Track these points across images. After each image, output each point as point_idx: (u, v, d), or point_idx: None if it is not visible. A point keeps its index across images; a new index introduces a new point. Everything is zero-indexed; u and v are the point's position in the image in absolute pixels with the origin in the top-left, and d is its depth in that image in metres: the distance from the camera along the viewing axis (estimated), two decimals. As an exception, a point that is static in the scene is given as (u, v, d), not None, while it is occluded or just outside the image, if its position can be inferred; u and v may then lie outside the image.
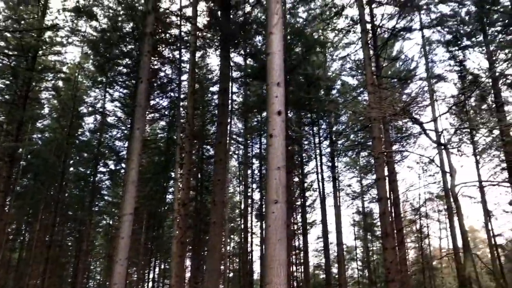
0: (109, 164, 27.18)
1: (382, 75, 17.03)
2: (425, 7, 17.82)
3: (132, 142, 11.82)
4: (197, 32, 17.22)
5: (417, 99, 9.65)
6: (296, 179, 27.78)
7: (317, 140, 26.36)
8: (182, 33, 18.80)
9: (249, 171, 28.70)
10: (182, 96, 18.63)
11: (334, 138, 25.14)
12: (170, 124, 25.15)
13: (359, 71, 19.54)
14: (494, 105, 15.96)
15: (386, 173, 15.54)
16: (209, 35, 18.66)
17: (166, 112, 25.29)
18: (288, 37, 19.65)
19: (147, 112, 21.59)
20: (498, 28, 16.03)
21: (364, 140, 24.60)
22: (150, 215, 28.40)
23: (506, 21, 14.24)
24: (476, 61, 18.99)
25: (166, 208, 28.09)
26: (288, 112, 22.79)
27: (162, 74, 22.59)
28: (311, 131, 26.51)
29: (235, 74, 21.73)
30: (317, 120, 25.33)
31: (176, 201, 14.55)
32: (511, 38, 14.51)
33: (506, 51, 15.71)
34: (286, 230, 5.89)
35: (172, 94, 23.41)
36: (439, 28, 18.02)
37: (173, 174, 21.70)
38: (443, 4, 16.87)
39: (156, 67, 21.67)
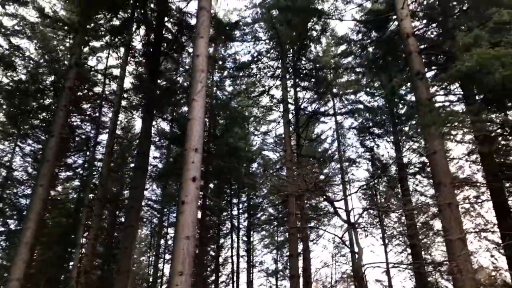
0: (10, 223, 24.46)
1: (302, 153, 17.76)
2: (340, 97, 19.41)
3: (33, 199, 10.78)
4: (122, 93, 16.97)
5: (329, 178, 9.98)
6: (212, 253, 26.94)
7: (235, 212, 26.21)
8: (106, 92, 18.47)
9: (162, 241, 27.33)
10: (99, 156, 17.81)
11: (251, 212, 25.10)
12: (83, 185, 23.62)
13: (280, 147, 20.20)
14: (400, 191, 17.12)
15: (300, 250, 15.61)
16: (134, 97, 18.48)
17: (81, 171, 23.83)
18: (215, 109, 20.13)
19: (60, 170, 20.21)
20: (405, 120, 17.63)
21: (282, 215, 24.81)
22: (49, 282, 25.42)
23: (409, 113, 15.78)
24: (385, 149, 20.59)
25: (68, 275, 25.39)
26: (209, 182, 22.63)
27: (81, 131, 21.60)
28: (230, 203, 26.35)
29: (158, 138, 21.41)
30: (237, 192, 25.32)
31: (76, 268, 13.23)
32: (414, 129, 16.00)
33: (410, 142, 17.26)
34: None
35: (88, 153, 22.26)
36: (353, 116, 19.47)
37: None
38: (356, 94, 18.43)
39: (75, 123, 20.74)
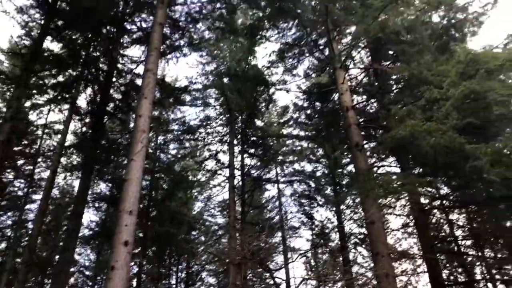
0: None
1: (246, 220, 17.48)
2: (284, 164, 19.74)
3: None
4: (62, 151, 16.29)
5: (271, 247, 9.78)
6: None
7: (174, 281, 24.83)
8: (45, 149, 17.65)
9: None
10: (32, 216, 16.60)
11: (190, 282, 23.90)
12: (8, 247, 21.67)
13: (224, 213, 19.85)
14: (341, 260, 17.08)
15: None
16: (74, 155, 17.75)
17: (9, 233, 21.96)
18: (158, 172, 19.72)
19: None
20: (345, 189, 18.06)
21: (222, 285, 23.78)
22: None
23: (350, 183, 16.21)
24: (326, 218, 20.86)
25: None
26: (147, 248, 21.55)
27: (13, 188, 20.21)
28: (169, 271, 25.03)
29: (95, 199, 20.37)
30: (177, 259, 24.19)
31: None
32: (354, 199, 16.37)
33: (352, 212, 17.54)
34: None
35: (19, 213, 20.70)
36: (296, 183, 19.72)
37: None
38: (300, 163, 18.81)
39: (7, 180, 19.43)
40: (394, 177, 10.36)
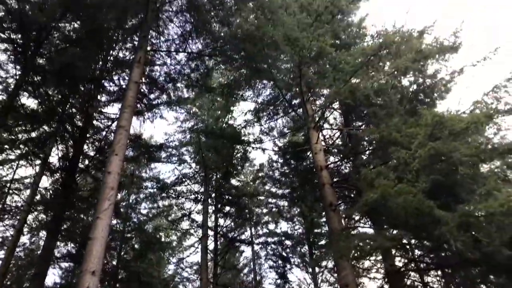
0: None
1: (218, 283, 16.82)
2: (260, 225, 19.42)
3: None
4: (31, 208, 15.72)
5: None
6: None
7: None
8: (10, 205, 16.93)
9: None
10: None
11: None
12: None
13: (196, 276, 19.10)
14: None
15: None
16: (42, 214, 17.08)
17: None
18: (128, 232, 19.08)
19: None
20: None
21: None
22: None
23: (325, 244, 16.00)
24: (302, 280, 20.27)
25: None
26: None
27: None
28: None
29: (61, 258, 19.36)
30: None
31: None
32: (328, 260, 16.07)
33: (325, 273, 17.17)
34: None
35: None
36: (270, 244, 19.34)
37: None
38: (276, 223, 18.54)
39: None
40: (367, 240, 10.29)
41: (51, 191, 15.95)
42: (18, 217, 16.21)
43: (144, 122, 17.60)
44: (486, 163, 9.69)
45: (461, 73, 11.62)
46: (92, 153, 15.08)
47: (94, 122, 15.47)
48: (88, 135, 14.90)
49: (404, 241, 12.24)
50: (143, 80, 15.33)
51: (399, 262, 12.35)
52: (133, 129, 16.84)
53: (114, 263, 18.84)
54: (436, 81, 12.16)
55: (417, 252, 12.45)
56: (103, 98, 15.75)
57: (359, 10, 14.80)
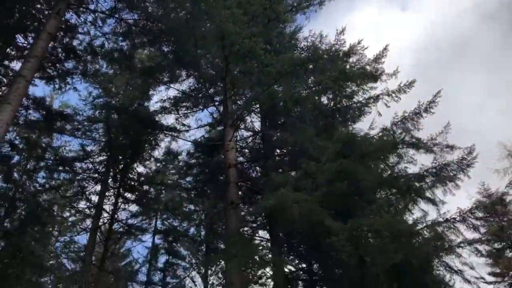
0: None
1: (104, 267, 15.98)
2: (162, 216, 18.93)
3: None
4: None
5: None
6: None
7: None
8: None
9: None
10: None
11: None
12: None
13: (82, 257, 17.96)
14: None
15: None
16: None
17: None
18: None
19: None
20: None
21: None
22: None
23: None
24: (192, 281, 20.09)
25: None
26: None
27: None
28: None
29: None
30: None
31: None
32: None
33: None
34: None
35: None
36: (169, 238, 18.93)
37: None
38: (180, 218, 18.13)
39: None
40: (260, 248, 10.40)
41: None
42: None
43: (54, 90, 16.37)
44: (384, 189, 10.33)
45: (376, 101, 12.29)
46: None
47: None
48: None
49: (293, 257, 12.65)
50: (61, 46, 14.25)
51: (288, 270, 12.66)
52: (43, 94, 15.66)
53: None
54: (352, 103, 12.73)
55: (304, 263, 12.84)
56: (13, 52, 14.40)
57: (295, 22, 15.12)
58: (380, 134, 10.77)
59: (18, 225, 17.89)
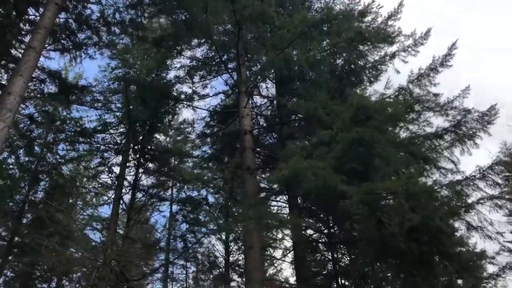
0: None
1: (128, 236, 16.45)
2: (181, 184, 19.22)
3: None
4: None
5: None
6: None
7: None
8: None
9: None
10: None
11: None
12: None
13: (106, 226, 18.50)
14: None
15: None
16: None
17: None
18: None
19: None
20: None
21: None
22: None
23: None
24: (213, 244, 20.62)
25: None
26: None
27: None
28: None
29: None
30: (46, 274, 21.96)
31: None
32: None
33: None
34: None
35: None
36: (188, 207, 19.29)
37: None
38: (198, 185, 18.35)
39: None
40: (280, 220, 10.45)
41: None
42: None
43: (71, 61, 16.48)
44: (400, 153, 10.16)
45: (393, 58, 11.95)
46: (4, 82, 13.82)
47: (12, 50, 14.19)
48: (2, 63, 13.60)
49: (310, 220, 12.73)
50: (73, 17, 14.21)
51: (305, 233, 12.80)
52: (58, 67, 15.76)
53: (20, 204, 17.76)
54: (368, 63, 12.43)
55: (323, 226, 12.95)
56: (26, 26, 14.46)
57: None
58: (397, 93, 10.52)
59: (42, 197, 18.50)
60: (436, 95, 9.93)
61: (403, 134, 10.54)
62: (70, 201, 18.99)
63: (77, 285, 20.79)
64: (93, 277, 11.68)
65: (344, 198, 8.43)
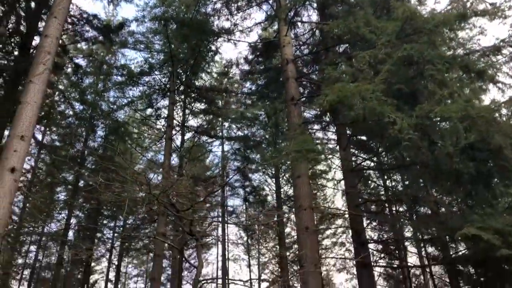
0: None
1: (184, 174, 17.05)
2: (228, 120, 19.35)
3: None
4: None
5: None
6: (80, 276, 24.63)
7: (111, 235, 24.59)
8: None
9: None
10: None
11: (125, 235, 23.61)
12: None
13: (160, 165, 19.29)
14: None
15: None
16: None
17: None
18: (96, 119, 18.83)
19: None
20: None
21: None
22: None
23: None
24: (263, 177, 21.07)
25: None
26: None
27: None
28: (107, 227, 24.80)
29: None
30: (114, 214, 23.63)
31: None
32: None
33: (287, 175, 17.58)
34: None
35: None
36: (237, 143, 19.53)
37: None
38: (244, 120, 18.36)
39: None
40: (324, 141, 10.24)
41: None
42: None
43: (109, 4, 16.43)
44: (455, 70, 9.46)
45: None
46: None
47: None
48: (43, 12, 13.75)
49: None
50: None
51: (355, 159, 12.60)
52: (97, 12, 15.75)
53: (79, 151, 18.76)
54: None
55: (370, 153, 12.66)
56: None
57: None
58: (449, 7, 9.60)
59: (100, 143, 19.43)
60: (492, 4, 8.91)
61: (457, 51, 9.78)
62: (126, 144, 19.74)
63: (140, 222, 22.31)
64: (153, 212, 12.35)
65: (393, 125, 8.09)
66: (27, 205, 20.21)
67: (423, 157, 9.38)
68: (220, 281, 21.17)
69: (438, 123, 8.79)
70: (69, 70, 17.39)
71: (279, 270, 19.98)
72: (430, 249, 15.68)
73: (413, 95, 9.71)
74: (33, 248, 23.39)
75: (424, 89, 9.50)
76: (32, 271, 22.48)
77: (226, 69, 18.26)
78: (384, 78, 8.51)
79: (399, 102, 8.67)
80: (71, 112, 18.92)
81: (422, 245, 14.99)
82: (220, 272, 24.72)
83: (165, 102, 18.13)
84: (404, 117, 7.91)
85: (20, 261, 23.38)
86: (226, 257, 21.54)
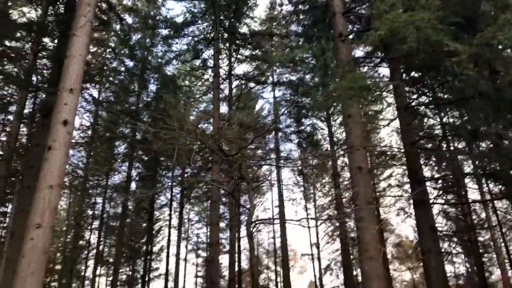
0: None
1: (232, 122, 17.21)
2: (276, 65, 18.97)
3: None
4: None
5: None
6: (145, 224, 26.29)
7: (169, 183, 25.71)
8: None
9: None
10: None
11: (185, 185, 24.61)
12: None
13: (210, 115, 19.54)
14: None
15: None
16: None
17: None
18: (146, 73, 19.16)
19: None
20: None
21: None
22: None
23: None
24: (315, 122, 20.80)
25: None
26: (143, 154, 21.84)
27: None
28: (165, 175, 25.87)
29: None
30: (171, 164, 24.56)
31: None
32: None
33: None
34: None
35: None
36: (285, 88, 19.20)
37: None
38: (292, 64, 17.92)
39: None
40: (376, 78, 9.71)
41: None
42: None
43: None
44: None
45: None
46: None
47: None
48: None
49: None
50: None
51: (410, 96, 12.03)
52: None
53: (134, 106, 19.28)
54: None
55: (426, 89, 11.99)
56: None
57: None
58: None
59: (153, 97, 19.89)
60: None
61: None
62: (177, 97, 20.12)
63: (196, 170, 23.07)
64: (206, 160, 12.69)
65: (450, 56, 7.53)
66: (90, 160, 21.44)
67: (483, 89, 8.79)
68: (276, 221, 21.71)
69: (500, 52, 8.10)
70: (118, 27, 17.61)
71: (335, 212, 20.20)
72: (492, 185, 15.09)
73: (471, 21, 8.95)
74: (99, 200, 25.10)
75: (484, 14, 8.74)
76: (101, 221, 24.24)
77: (269, 11, 17.69)
78: (439, 5, 7.86)
79: (456, 30, 8.03)
80: (122, 69, 19.40)
81: (483, 180, 14.42)
82: (276, 215, 25.44)
83: (211, 51, 18.04)
84: (464, 47, 7.33)
85: (89, 212, 25.28)
86: (282, 200, 21.94)
